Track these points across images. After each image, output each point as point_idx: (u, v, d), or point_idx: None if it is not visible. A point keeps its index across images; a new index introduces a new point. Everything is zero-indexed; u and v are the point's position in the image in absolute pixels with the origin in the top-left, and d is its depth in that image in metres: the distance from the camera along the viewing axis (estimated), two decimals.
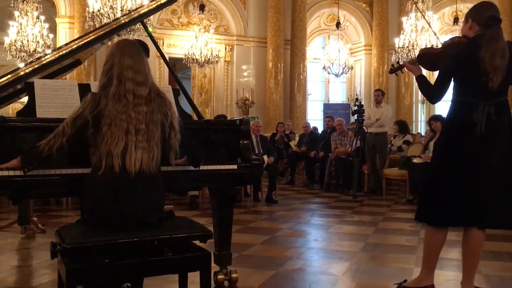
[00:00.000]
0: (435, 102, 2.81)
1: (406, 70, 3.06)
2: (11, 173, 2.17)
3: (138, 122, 2.12)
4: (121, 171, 2.06)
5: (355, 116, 8.00)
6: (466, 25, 2.69)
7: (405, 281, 2.89)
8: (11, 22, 10.42)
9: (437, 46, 3.06)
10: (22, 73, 2.75)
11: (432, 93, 2.77)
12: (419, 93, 12.14)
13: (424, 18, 10.51)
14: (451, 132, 2.69)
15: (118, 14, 8.17)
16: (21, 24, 10.22)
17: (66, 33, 11.35)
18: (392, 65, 3.30)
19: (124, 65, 2.16)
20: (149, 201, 2.14)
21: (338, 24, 13.18)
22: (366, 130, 8.18)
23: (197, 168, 2.51)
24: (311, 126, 10.99)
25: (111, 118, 2.08)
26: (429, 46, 10.22)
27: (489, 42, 2.51)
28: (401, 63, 3.18)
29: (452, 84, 2.68)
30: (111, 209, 2.06)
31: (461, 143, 2.59)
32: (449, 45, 2.73)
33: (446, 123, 2.77)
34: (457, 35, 2.82)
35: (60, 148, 2.09)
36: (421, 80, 2.86)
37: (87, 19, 9.00)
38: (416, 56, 2.98)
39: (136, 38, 3.33)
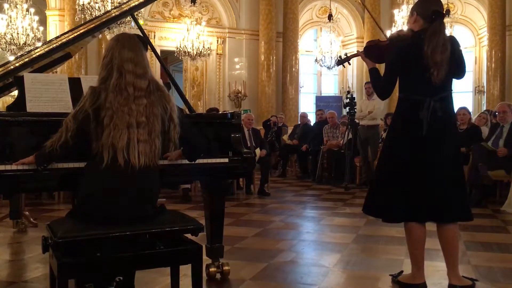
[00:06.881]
0: (385, 98, 2.80)
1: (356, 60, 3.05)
2: (1, 167, 2.17)
3: (139, 114, 2.11)
4: (126, 165, 2.05)
5: (347, 108, 8.03)
6: (411, 18, 2.72)
7: (401, 272, 2.92)
8: (0, 15, 10.30)
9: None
10: (12, 67, 2.74)
11: (381, 88, 2.78)
12: None
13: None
14: (397, 130, 2.72)
15: (109, 7, 8.11)
16: (10, 17, 10.10)
17: (56, 25, 11.25)
18: (340, 56, 3.17)
19: (124, 57, 2.16)
20: (147, 195, 2.16)
21: (330, 17, 13.14)
22: (358, 123, 8.21)
23: (194, 161, 2.49)
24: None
25: (113, 110, 2.08)
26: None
27: (431, 36, 2.54)
28: (349, 55, 3.11)
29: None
30: (110, 202, 2.06)
31: (408, 141, 2.63)
32: (395, 38, 2.75)
33: (393, 121, 2.81)
34: (402, 29, 2.83)
35: (64, 144, 2.09)
36: (374, 74, 2.83)
37: (77, 11, 8.93)
38: (363, 47, 2.92)
39: (127, 31, 3.32)
